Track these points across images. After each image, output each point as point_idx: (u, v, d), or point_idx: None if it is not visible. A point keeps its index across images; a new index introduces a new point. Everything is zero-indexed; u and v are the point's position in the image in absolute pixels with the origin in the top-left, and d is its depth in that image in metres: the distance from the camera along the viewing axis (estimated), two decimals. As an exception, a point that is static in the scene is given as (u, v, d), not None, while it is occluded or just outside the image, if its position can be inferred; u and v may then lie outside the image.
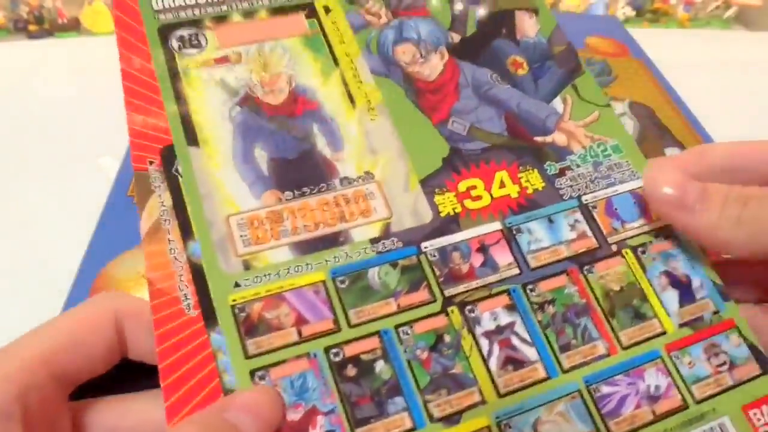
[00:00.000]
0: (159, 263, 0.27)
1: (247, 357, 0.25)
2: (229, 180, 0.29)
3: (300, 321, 0.26)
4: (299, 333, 0.26)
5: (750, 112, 0.58)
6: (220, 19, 0.33)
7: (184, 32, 0.32)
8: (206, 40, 0.32)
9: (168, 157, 0.29)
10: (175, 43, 0.32)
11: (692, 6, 0.82)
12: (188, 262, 0.27)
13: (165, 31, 0.32)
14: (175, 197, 0.28)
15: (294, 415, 0.25)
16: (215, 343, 0.25)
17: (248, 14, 0.34)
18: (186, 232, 0.27)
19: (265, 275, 0.27)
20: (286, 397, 0.25)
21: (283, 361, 0.26)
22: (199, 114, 0.30)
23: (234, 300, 0.26)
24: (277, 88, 0.32)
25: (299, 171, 0.30)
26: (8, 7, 0.68)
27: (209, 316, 0.26)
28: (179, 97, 0.31)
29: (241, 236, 0.28)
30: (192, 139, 0.30)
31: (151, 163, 0.29)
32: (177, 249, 0.27)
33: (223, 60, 0.32)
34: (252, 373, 0.25)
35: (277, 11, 0.34)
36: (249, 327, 0.26)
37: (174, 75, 0.31)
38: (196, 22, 0.33)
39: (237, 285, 0.27)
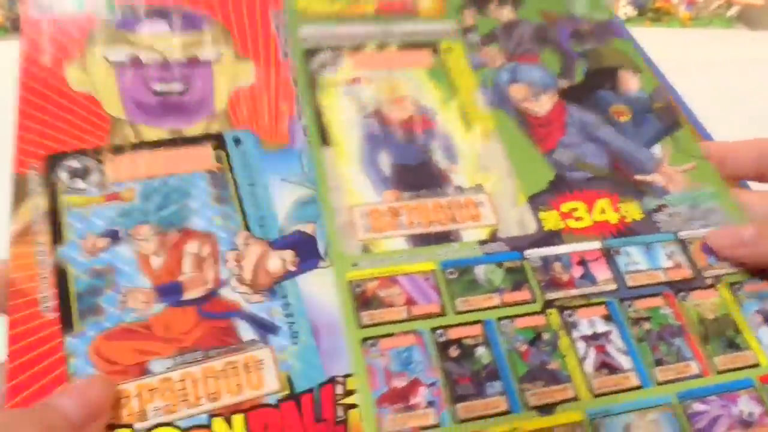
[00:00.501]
0: (24, 264, 0.28)
1: (360, 327, 0.28)
2: (355, 177, 0.33)
3: (410, 302, 0.29)
4: (408, 312, 0.28)
5: (751, 112, 0.56)
6: (357, 48, 0.38)
7: (325, 56, 0.37)
8: (343, 63, 0.37)
9: (51, 164, 0.31)
10: (315, 64, 0.37)
11: (694, 5, 0.80)
12: (54, 267, 0.28)
13: (308, 54, 0.37)
14: (51, 203, 0.29)
15: (398, 382, 0.27)
16: (69, 347, 0.26)
17: (381, 46, 0.38)
18: (57, 237, 0.29)
19: (381, 259, 0.30)
20: (393, 366, 0.27)
21: (392, 334, 0.28)
22: (332, 121, 0.34)
23: (352, 277, 0.29)
24: (402, 107, 0.36)
25: (417, 176, 0.33)
26: (6, 6, 0.69)
27: (67, 319, 0.27)
28: (316, 106, 0.35)
29: (362, 224, 0.31)
30: (325, 140, 0.34)
31: (33, 168, 0.30)
32: (45, 252, 0.28)
33: (356, 81, 0.36)
34: (363, 340, 0.27)
35: (406, 46, 0.39)
36: (364, 301, 0.28)
37: (313, 88, 0.36)
38: (335, 49, 0.38)
39: (355, 264, 0.29)
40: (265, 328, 0.28)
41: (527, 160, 0.35)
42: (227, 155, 0.32)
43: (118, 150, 0.32)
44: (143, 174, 0.31)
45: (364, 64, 0.37)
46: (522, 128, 0.36)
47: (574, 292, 0.30)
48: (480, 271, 0.30)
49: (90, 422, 0.24)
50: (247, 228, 0.31)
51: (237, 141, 0.33)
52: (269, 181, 0.32)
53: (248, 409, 0.26)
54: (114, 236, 0.29)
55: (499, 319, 0.29)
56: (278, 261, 0.30)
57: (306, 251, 0.30)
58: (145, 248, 0.29)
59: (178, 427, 0.25)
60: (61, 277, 0.28)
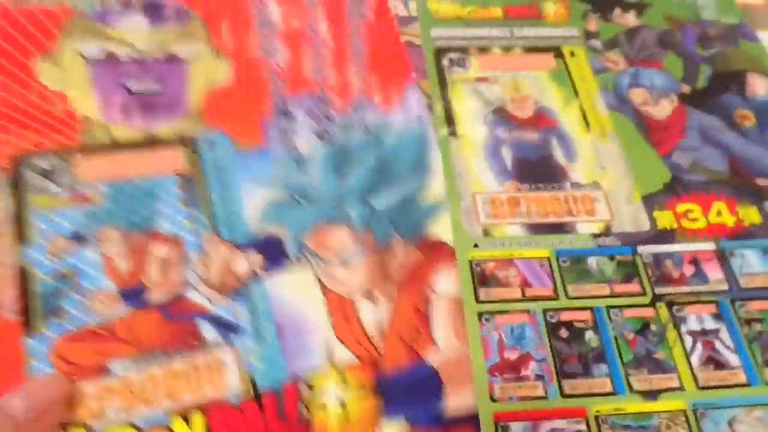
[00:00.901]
0: None
1: (478, 302, 0.31)
2: (479, 166, 0.35)
3: (525, 283, 0.31)
4: (523, 293, 0.31)
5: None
6: (483, 49, 0.41)
7: (454, 55, 0.40)
8: (470, 63, 0.40)
9: (18, 164, 0.31)
10: (446, 62, 0.40)
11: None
12: (17, 268, 0.29)
13: (439, 53, 0.40)
14: (17, 204, 0.30)
15: (511, 355, 0.29)
16: (30, 350, 0.27)
17: (506, 49, 0.41)
18: (21, 237, 0.29)
19: (500, 242, 0.32)
20: (506, 340, 0.29)
21: (507, 312, 0.30)
22: (459, 115, 0.37)
23: (472, 257, 0.32)
24: (525, 106, 0.38)
25: (537, 171, 0.35)
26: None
27: (28, 321, 0.28)
28: (446, 101, 0.38)
29: (483, 210, 0.34)
30: (453, 132, 0.36)
31: (3, 169, 0.31)
32: (8, 254, 0.29)
33: (483, 80, 0.39)
34: (479, 315, 0.30)
35: (530, 50, 0.41)
36: (482, 279, 0.31)
37: (443, 84, 0.39)
38: (463, 50, 0.40)
39: (476, 245, 0.32)
40: (229, 329, 0.29)
41: (644, 161, 0.36)
42: (199, 158, 0.33)
43: (88, 150, 0.32)
44: (113, 175, 0.31)
45: (491, 64, 0.40)
46: (640, 131, 0.37)
47: (684, 289, 0.31)
48: (592, 262, 0.32)
49: (36, 421, 0.25)
50: (216, 231, 0.31)
51: (210, 144, 0.33)
52: (240, 183, 0.32)
53: (209, 408, 0.27)
54: (80, 239, 0.30)
55: (609, 307, 0.31)
56: (245, 263, 0.30)
57: (274, 253, 0.31)
58: (110, 251, 0.30)
59: (137, 428, 0.26)
60: (24, 278, 0.28)
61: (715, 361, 0.29)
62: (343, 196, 0.32)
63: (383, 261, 0.31)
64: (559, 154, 0.36)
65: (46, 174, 0.31)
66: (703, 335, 0.30)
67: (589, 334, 0.30)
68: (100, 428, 0.26)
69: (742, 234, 0.33)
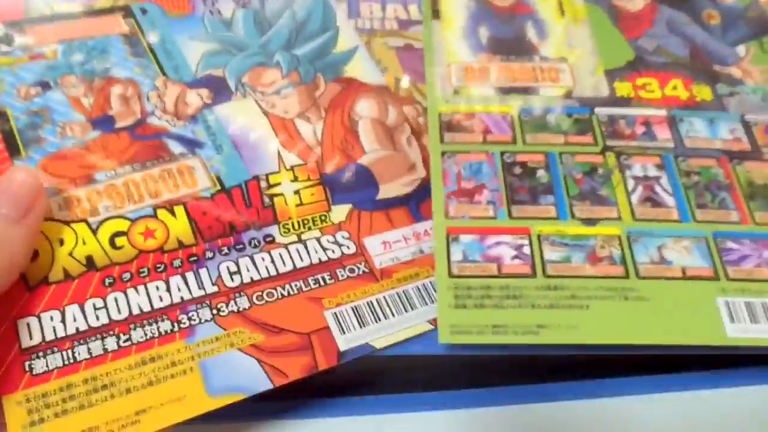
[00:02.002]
0: None
1: (442, 142, 0.34)
2: (456, 43, 0.39)
3: (486, 131, 0.35)
4: (484, 138, 0.34)
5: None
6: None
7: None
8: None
9: None
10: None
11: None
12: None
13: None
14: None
15: (467, 185, 0.33)
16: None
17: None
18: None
19: (468, 99, 0.36)
20: (464, 173, 0.33)
21: (468, 152, 0.34)
22: (444, 1, 0.41)
23: (441, 110, 0.35)
24: (506, -5, 0.41)
25: (509, 47, 0.39)
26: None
27: (13, 148, 0.31)
28: (433, -12, 0.41)
29: (456, 75, 0.37)
30: (436, 14, 0.40)
31: None
32: None
33: (470, -27, 0.42)
34: (443, 153, 0.34)
35: (518, -48, 0.44)
36: (448, 127, 0.35)
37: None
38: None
39: (446, 101, 0.36)
40: (192, 144, 0.33)
41: (611, 42, 0.39)
42: (137, 21, 0.36)
43: (35, 21, 0.35)
44: (63, 38, 0.35)
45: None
46: (611, 19, 0.40)
47: (633, 143, 0.34)
48: (551, 118, 0.35)
49: (27, 211, 0.27)
50: (164, 74, 0.35)
51: (143, 11, 0.37)
52: (177, 39, 0.37)
53: (187, 202, 0.31)
54: (44, 86, 0.33)
55: (561, 153, 0.34)
56: (195, 96, 0.35)
57: (218, 88, 0.35)
58: (74, 93, 0.33)
59: (127, 218, 0.30)
60: (1, 117, 0.31)
61: (652, 201, 0.32)
62: (268, 46, 0.38)
63: (310, 92, 0.37)
64: (531, 34, 0.39)
65: (1, 40, 0.34)
66: (645, 180, 0.33)
67: (541, 172, 0.33)
68: (95, 221, 0.30)
69: (693, 106, 0.36)
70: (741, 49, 0.39)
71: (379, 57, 0.41)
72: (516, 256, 0.30)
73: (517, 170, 0.33)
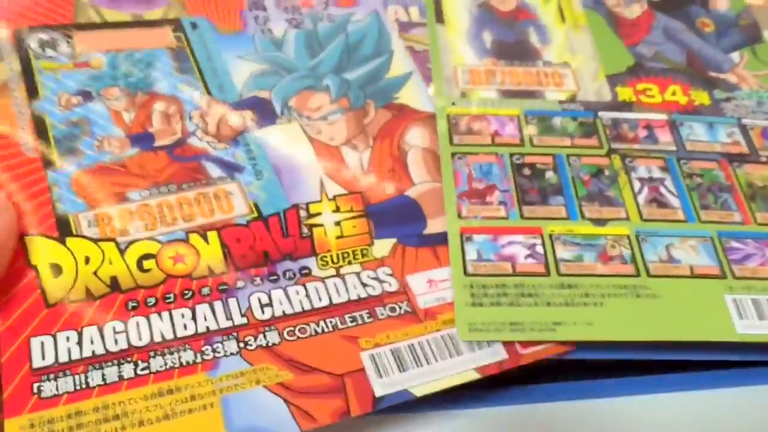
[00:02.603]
0: (3, 114, 0.31)
1: (452, 144, 0.34)
2: (461, 47, 0.39)
3: (495, 134, 0.35)
4: (492, 140, 0.35)
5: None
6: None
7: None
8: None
9: (19, 37, 0.33)
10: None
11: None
12: (32, 117, 0.31)
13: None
14: (24, 65, 0.33)
15: (478, 185, 0.33)
16: (51, 179, 0.29)
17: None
18: (31, 92, 0.32)
19: (475, 102, 0.36)
20: (475, 173, 0.33)
21: (477, 153, 0.34)
22: (447, 5, 0.41)
23: (449, 112, 0.36)
24: (508, 1, 0.42)
25: (513, 51, 0.39)
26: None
27: (48, 158, 0.30)
28: (436, -7, 0.42)
29: (463, 78, 0.37)
30: (440, 19, 0.40)
31: (1, 38, 0.33)
32: (22, 105, 0.31)
33: (471, -20, 0.43)
34: (453, 154, 0.34)
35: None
36: (457, 128, 0.35)
37: (435, -19, 0.42)
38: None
39: (453, 103, 0.36)
40: (231, 168, 0.32)
41: (611, 49, 0.40)
42: (185, 36, 0.36)
43: (83, 27, 0.35)
44: (109, 47, 0.34)
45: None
46: (610, 26, 0.41)
47: (636, 146, 0.35)
48: (557, 121, 0.36)
49: None
50: (209, 93, 0.34)
51: (194, 25, 0.37)
52: (225, 58, 0.36)
53: (221, 227, 0.30)
54: (86, 95, 0.32)
55: (568, 155, 0.34)
56: (239, 118, 0.34)
57: (263, 111, 0.34)
58: (116, 106, 0.32)
59: (158, 241, 0.29)
60: (39, 125, 0.31)
61: (658, 202, 0.33)
62: (318, 69, 0.36)
63: (359, 119, 0.35)
64: (534, 39, 0.40)
65: (48, 44, 0.34)
66: (650, 182, 0.34)
67: (549, 174, 0.34)
68: (125, 241, 0.29)
69: (692, 111, 0.37)
70: (735, 56, 0.40)
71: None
72: (529, 255, 0.31)
73: (527, 171, 0.34)
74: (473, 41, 0.40)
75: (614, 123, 0.36)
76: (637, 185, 0.34)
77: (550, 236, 0.31)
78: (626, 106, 0.37)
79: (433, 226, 0.32)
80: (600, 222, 0.32)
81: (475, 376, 0.27)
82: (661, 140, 0.36)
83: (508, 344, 0.28)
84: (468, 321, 0.28)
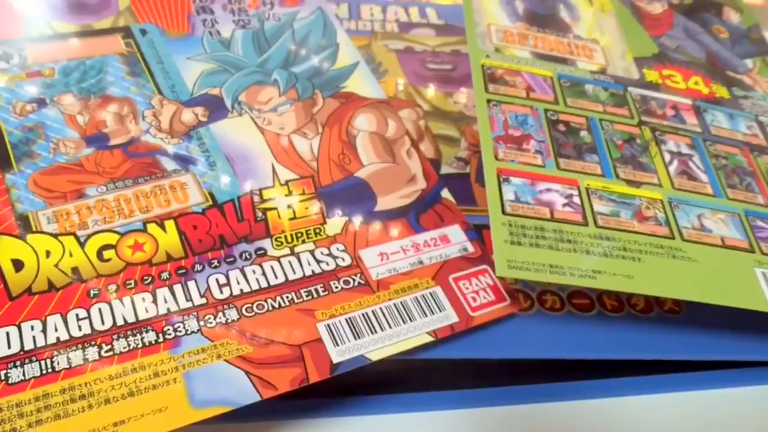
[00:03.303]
0: None
1: (487, 92, 0.33)
2: (495, 11, 0.38)
3: (529, 89, 0.34)
4: (527, 94, 0.34)
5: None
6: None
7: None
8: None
9: None
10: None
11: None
12: None
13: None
14: None
15: (514, 132, 0.31)
16: (9, 182, 0.30)
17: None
18: None
19: (509, 58, 0.35)
20: (511, 121, 0.32)
21: (512, 103, 0.33)
22: (479, -29, 0.41)
23: (484, 63, 0.34)
24: (537, -22, 0.42)
25: (545, 21, 0.39)
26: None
27: (5, 162, 0.30)
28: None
29: (496, 35, 0.36)
30: (471, -18, 0.40)
31: None
32: None
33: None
34: (488, 101, 0.33)
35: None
36: (491, 78, 0.34)
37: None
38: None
39: (488, 56, 0.35)
40: (185, 161, 0.32)
41: (636, 35, 0.40)
42: (135, 42, 0.37)
43: (35, 40, 0.36)
44: (61, 57, 0.35)
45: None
46: (635, 16, 0.42)
47: (665, 122, 0.35)
48: (589, 88, 0.35)
49: None
50: (161, 93, 0.35)
51: (143, 32, 0.38)
52: (175, 60, 0.36)
53: (177, 216, 0.30)
54: (40, 102, 0.33)
55: (601, 120, 0.34)
56: (191, 114, 0.34)
57: (214, 107, 0.35)
58: (70, 110, 0.33)
59: (116, 232, 0.29)
60: None
61: (688, 174, 0.33)
62: (267, 65, 0.37)
63: (308, 108, 0.36)
64: (564, 14, 0.40)
65: (0, 58, 0.34)
66: (680, 156, 0.33)
67: (584, 133, 0.33)
68: (84, 234, 0.29)
69: (714, 101, 0.37)
70: (749, 62, 0.42)
71: (380, 60, 0.40)
72: (567, 204, 0.29)
73: (561, 128, 0.32)
74: (506, 6, 0.39)
75: (643, 99, 0.36)
76: (667, 157, 0.33)
77: (587, 189, 0.30)
78: (653, 86, 0.37)
79: (382, 203, 0.32)
80: (634, 184, 0.31)
81: (428, 339, 0.28)
82: (688, 122, 0.35)
83: (458, 307, 0.29)
84: (506, 258, 0.27)
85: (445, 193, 0.33)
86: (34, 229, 0.29)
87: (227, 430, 0.27)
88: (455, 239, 0.31)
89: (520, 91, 0.34)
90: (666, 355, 0.30)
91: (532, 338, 0.29)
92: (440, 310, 0.29)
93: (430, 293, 0.29)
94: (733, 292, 0.28)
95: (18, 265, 0.27)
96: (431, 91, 0.39)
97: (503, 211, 0.28)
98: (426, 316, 0.29)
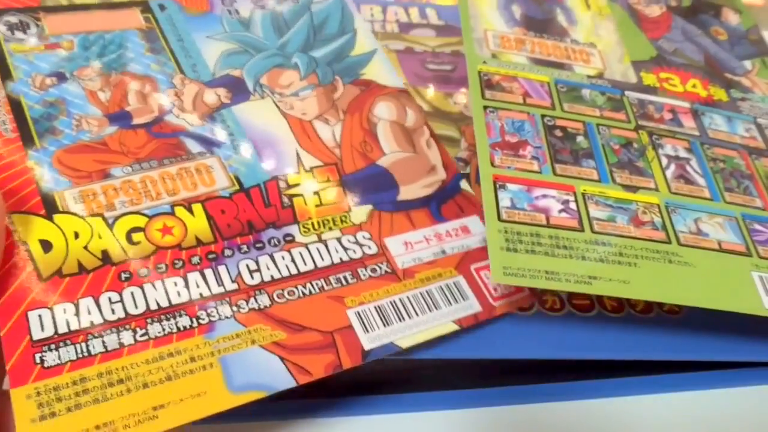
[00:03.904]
0: None
1: (484, 98, 0.33)
2: (491, 16, 0.39)
3: (526, 95, 0.34)
4: (524, 100, 0.34)
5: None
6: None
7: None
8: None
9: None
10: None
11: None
12: (7, 98, 0.30)
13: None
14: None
15: (511, 139, 0.32)
16: (32, 158, 0.29)
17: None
18: (5, 74, 0.31)
19: (506, 64, 0.35)
20: (507, 127, 0.32)
21: (509, 109, 0.33)
22: (477, -24, 0.41)
23: (481, 69, 0.35)
24: (534, -18, 0.42)
25: (542, 26, 0.39)
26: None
27: (27, 137, 0.29)
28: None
29: (493, 41, 0.37)
30: (469, -12, 0.40)
31: None
32: None
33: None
34: (485, 107, 0.33)
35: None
36: (488, 84, 0.34)
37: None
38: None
39: (484, 62, 0.35)
40: (210, 143, 0.32)
41: (634, 38, 0.40)
42: (154, 17, 0.36)
43: (52, 10, 0.34)
44: (79, 29, 0.34)
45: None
46: (632, 19, 0.42)
47: (662, 126, 0.35)
48: (585, 93, 0.35)
49: None
50: (182, 72, 0.34)
51: (162, 7, 0.36)
52: (195, 38, 0.36)
53: (205, 200, 0.30)
54: (60, 76, 0.32)
55: (598, 125, 0.34)
56: (214, 95, 0.34)
57: (237, 88, 0.34)
58: (91, 86, 0.32)
59: (144, 215, 0.29)
60: (15, 105, 0.30)
61: (685, 178, 0.33)
62: (286, 48, 0.37)
63: (329, 94, 0.36)
64: (561, 19, 0.40)
65: (17, 27, 0.33)
66: (677, 160, 0.33)
67: (580, 138, 0.33)
68: (112, 216, 0.28)
69: (712, 104, 0.37)
70: (747, 64, 0.42)
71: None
72: (563, 210, 0.29)
73: (558, 133, 0.33)
74: (503, 11, 0.39)
75: (640, 103, 0.36)
76: (664, 161, 0.33)
77: (583, 195, 0.30)
78: (651, 90, 0.37)
79: (405, 193, 0.33)
80: (630, 188, 0.31)
81: (454, 327, 0.29)
82: (686, 125, 0.35)
83: (480, 296, 0.30)
84: (502, 264, 0.27)
85: (464, 185, 0.34)
86: (60, 209, 0.28)
87: (227, 430, 0.27)
88: (475, 230, 0.32)
89: (516, 97, 0.34)
90: (666, 355, 0.30)
91: (532, 338, 0.29)
92: (464, 299, 0.30)
93: (454, 282, 0.30)
94: (729, 297, 0.28)
95: (46, 246, 0.27)
96: (431, 91, 0.39)
97: (499, 218, 0.28)
98: (451, 305, 0.29)
